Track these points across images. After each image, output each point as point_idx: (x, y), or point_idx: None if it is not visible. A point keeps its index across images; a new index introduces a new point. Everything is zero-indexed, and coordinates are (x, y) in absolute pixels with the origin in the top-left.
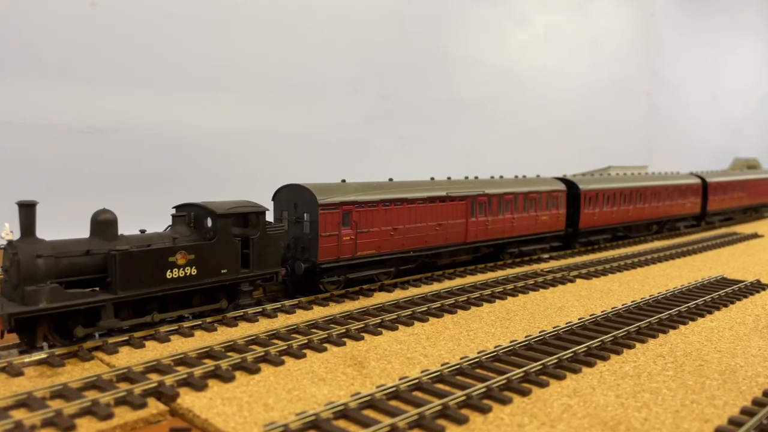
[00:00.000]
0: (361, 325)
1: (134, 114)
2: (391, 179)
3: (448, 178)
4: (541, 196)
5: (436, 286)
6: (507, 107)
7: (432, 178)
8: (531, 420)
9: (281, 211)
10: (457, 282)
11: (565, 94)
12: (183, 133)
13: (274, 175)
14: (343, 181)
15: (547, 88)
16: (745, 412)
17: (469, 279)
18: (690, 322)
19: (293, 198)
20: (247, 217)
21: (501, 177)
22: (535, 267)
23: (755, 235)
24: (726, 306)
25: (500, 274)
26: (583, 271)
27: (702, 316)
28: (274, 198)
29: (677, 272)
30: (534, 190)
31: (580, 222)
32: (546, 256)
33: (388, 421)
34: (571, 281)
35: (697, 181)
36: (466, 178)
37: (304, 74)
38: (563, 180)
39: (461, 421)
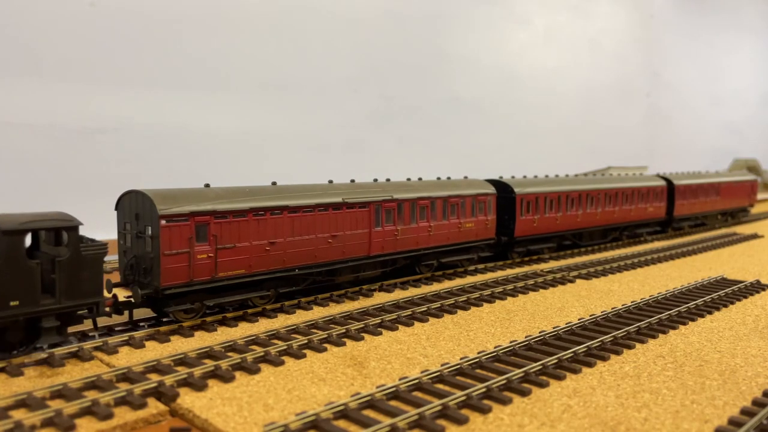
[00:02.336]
0: (361, 326)
1: (134, 114)
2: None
3: (352, 181)
4: (464, 201)
5: (436, 287)
6: (506, 108)
7: (330, 181)
8: (531, 420)
9: (124, 223)
10: (457, 282)
11: (564, 94)
12: (183, 133)
13: (274, 175)
14: (207, 185)
15: (547, 88)
16: (745, 412)
17: (469, 279)
18: (690, 323)
19: (135, 207)
20: (57, 233)
21: (420, 179)
22: (535, 267)
23: (755, 236)
24: (726, 306)
25: (500, 274)
26: (583, 271)
27: (702, 316)
28: (117, 207)
29: (677, 272)
30: (455, 194)
31: (515, 229)
32: (473, 268)
33: (388, 421)
34: (571, 281)
35: (661, 183)
36: (388, 180)
37: (305, 74)
38: (495, 182)
39: (461, 421)
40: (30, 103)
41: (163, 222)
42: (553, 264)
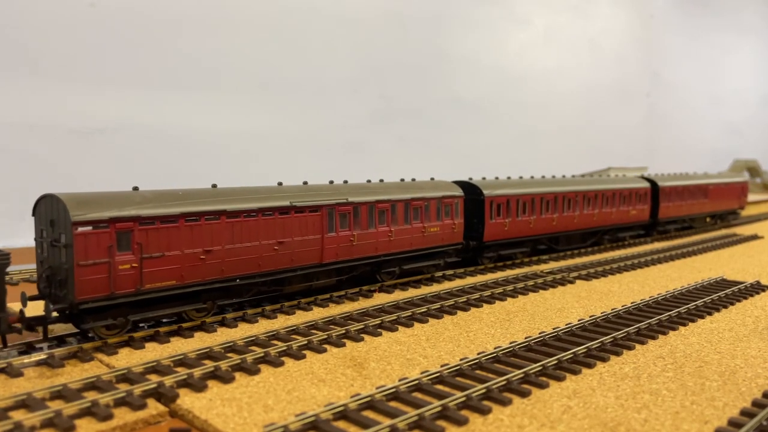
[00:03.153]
0: (361, 326)
1: (134, 114)
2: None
3: (304, 183)
4: (428, 204)
5: (435, 288)
6: (507, 108)
7: (280, 183)
8: (531, 421)
9: (40, 230)
10: (457, 283)
11: (564, 95)
12: (183, 133)
13: (274, 175)
14: (135, 188)
15: (547, 88)
16: (744, 413)
17: (469, 280)
18: (690, 324)
19: (50, 213)
20: None
21: (381, 181)
22: (535, 268)
23: (755, 237)
24: (726, 307)
25: (500, 275)
26: (583, 272)
27: (702, 317)
28: (34, 212)
29: (677, 273)
30: (419, 197)
31: (485, 233)
32: (440, 274)
33: (387, 422)
34: (571, 282)
35: (645, 185)
36: (346, 182)
37: (305, 75)
38: (464, 184)
39: (461, 422)
40: (30, 103)
41: (77, 229)
42: (552, 265)
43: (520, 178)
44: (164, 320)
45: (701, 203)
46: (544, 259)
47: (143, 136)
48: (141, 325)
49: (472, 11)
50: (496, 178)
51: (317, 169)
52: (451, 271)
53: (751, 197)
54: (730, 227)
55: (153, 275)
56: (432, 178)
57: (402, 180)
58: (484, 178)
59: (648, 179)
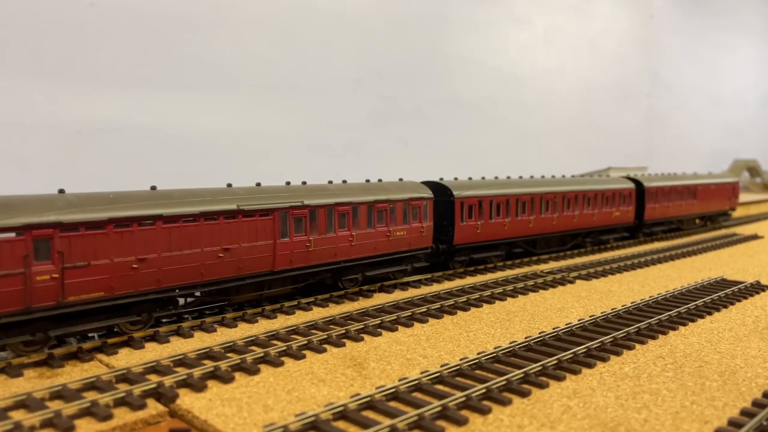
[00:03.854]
0: (361, 326)
1: (134, 114)
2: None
3: (258, 185)
4: (394, 206)
5: (435, 287)
6: (507, 108)
7: (229, 185)
8: (531, 421)
9: None
10: (457, 283)
11: (564, 95)
12: (183, 133)
13: (274, 175)
14: (61, 191)
15: (547, 89)
16: (744, 413)
17: (469, 280)
18: (690, 324)
19: None
20: None
21: (344, 182)
22: (535, 268)
23: (755, 237)
24: (726, 307)
25: (500, 275)
26: (583, 272)
27: (702, 317)
28: None
29: (677, 273)
30: (383, 199)
31: (455, 236)
32: (406, 280)
33: (387, 422)
34: (571, 282)
35: (629, 185)
36: (304, 183)
37: (305, 75)
38: (434, 184)
39: (461, 422)
40: (30, 103)
41: None
42: (552, 265)
43: (496, 178)
44: (90, 335)
45: (689, 204)
46: (543, 259)
47: (143, 136)
48: (68, 340)
49: (472, 11)
50: (470, 178)
51: (317, 169)
52: (418, 277)
53: (751, 197)
54: (723, 228)
55: (77, 286)
56: (400, 179)
57: (367, 181)
58: (456, 179)
59: (633, 179)
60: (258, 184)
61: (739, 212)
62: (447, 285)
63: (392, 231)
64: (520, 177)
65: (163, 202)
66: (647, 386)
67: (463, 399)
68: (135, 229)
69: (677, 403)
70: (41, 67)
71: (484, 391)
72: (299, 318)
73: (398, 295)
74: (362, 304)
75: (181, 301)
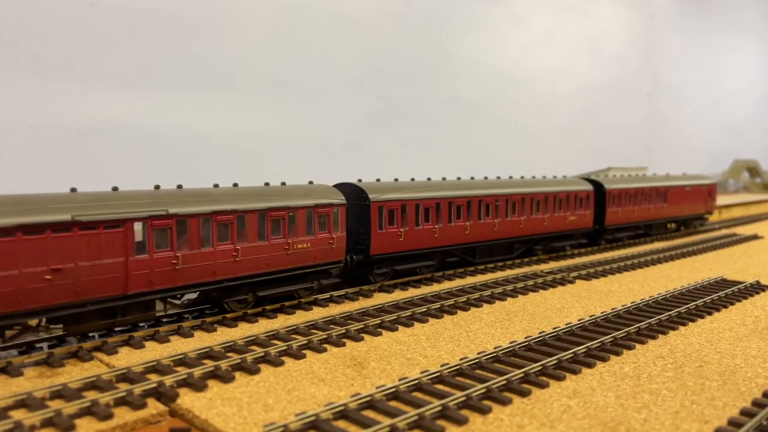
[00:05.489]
0: (361, 326)
1: (134, 114)
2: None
3: (114, 189)
4: (295, 214)
5: (435, 287)
6: (506, 108)
7: (73, 190)
8: (531, 421)
9: None
10: (457, 283)
11: (564, 95)
12: (183, 133)
13: (274, 175)
14: None
15: (547, 89)
16: (744, 413)
17: (469, 280)
18: (690, 323)
19: None
20: None
21: (235, 185)
22: (535, 268)
23: (755, 237)
24: (726, 307)
25: (500, 275)
26: (583, 272)
27: (702, 317)
28: None
29: (677, 273)
30: (280, 206)
31: (371, 246)
32: (311, 298)
33: (387, 421)
34: (571, 282)
35: (587, 187)
36: (180, 187)
37: (304, 75)
38: (349, 187)
39: (461, 421)
40: (30, 103)
41: None
42: (552, 265)
43: (429, 179)
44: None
45: (659, 208)
46: (543, 259)
47: (143, 136)
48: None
49: (472, 11)
50: (396, 179)
51: (317, 169)
52: (343, 291)
53: (751, 197)
54: (701, 233)
55: None
56: (310, 181)
57: (267, 184)
58: (378, 180)
59: (592, 181)
60: (157, 187)
61: (739, 212)
62: (447, 285)
63: (292, 243)
64: (459, 178)
65: None
66: (647, 386)
67: (463, 399)
68: None
69: (677, 402)
70: (42, 66)
71: (484, 390)
72: (299, 318)
73: (398, 295)
74: (362, 303)
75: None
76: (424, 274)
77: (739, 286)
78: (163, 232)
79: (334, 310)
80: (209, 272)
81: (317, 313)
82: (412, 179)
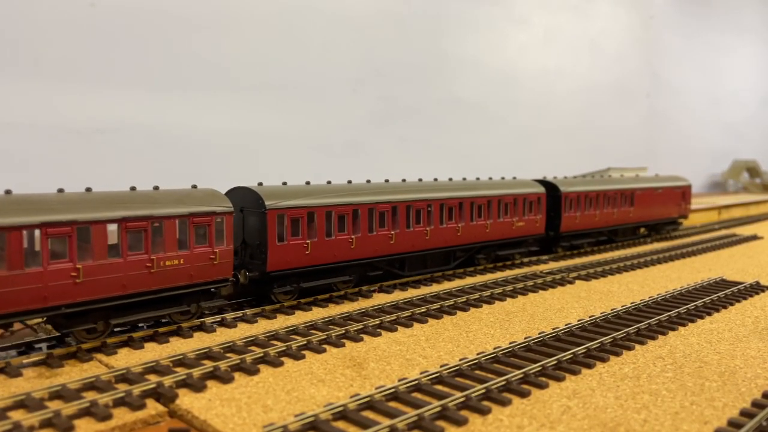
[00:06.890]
0: (360, 327)
1: (134, 114)
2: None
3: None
4: (161, 225)
5: (435, 288)
6: (506, 108)
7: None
8: (530, 421)
9: None
10: (456, 283)
11: (564, 95)
12: (183, 133)
13: (274, 175)
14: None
15: (547, 89)
16: (744, 413)
17: (469, 280)
18: (689, 324)
19: None
20: None
21: (89, 190)
22: (534, 268)
23: (755, 237)
24: (725, 308)
25: (499, 275)
26: (583, 272)
27: (701, 317)
28: None
29: (677, 274)
30: (141, 215)
31: (269, 261)
32: (187, 325)
33: (387, 422)
34: (571, 282)
35: (538, 190)
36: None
37: (304, 75)
38: (241, 191)
39: (460, 422)
40: (30, 103)
41: None
42: (552, 265)
43: (350, 182)
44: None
45: (625, 212)
46: (543, 259)
47: (143, 136)
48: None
49: (472, 11)
50: (307, 182)
51: (317, 169)
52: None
53: (750, 198)
54: (675, 239)
55: None
56: (194, 185)
57: (133, 189)
58: (285, 183)
59: (545, 183)
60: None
61: (738, 213)
62: (446, 285)
63: (157, 260)
64: (387, 181)
65: None
66: (647, 387)
67: (463, 399)
68: None
69: (677, 403)
70: (42, 67)
71: (483, 391)
72: (299, 318)
73: (398, 296)
74: (361, 304)
75: None
76: (343, 290)
77: (739, 286)
78: (23, 241)
79: (334, 310)
80: (38, 298)
81: (316, 314)
82: (329, 182)
